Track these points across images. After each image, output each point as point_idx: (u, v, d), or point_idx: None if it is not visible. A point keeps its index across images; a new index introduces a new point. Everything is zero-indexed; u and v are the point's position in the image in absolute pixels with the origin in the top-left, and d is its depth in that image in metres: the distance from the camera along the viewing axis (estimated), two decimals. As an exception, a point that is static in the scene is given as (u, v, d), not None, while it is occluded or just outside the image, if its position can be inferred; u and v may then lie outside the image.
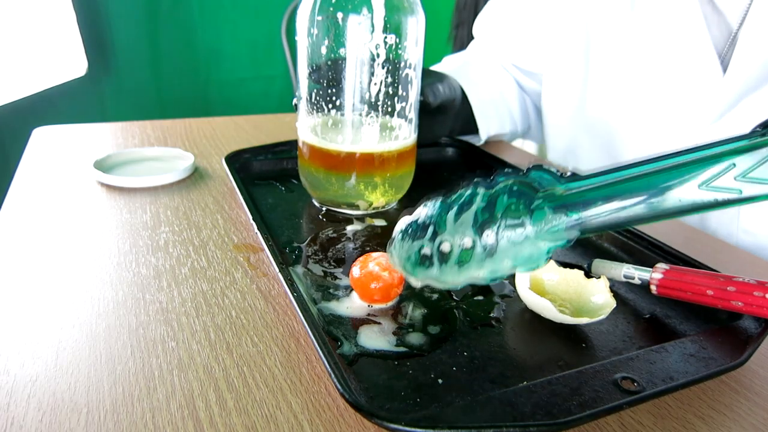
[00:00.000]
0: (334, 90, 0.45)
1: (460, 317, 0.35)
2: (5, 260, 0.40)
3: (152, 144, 0.68)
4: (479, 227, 0.27)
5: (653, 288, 0.35)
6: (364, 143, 0.46)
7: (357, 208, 0.49)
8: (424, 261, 0.28)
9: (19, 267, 0.40)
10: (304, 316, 0.31)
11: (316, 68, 0.45)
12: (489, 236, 0.27)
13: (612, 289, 0.35)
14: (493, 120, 0.72)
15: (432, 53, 0.53)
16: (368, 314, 0.34)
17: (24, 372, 0.29)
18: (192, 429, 0.26)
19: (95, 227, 0.46)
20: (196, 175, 0.58)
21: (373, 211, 0.49)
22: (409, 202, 0.52)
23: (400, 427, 0.24)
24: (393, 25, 0.43)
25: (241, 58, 1.58)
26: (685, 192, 0.24)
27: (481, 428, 0.25)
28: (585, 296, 0.35)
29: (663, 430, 0.27)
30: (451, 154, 0.67)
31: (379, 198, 0.48)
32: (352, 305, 0.35)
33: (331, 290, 0.37)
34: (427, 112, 0.58)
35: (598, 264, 0.38)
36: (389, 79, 0.44)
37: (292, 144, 0.59)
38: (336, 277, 0.39)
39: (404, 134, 0.47)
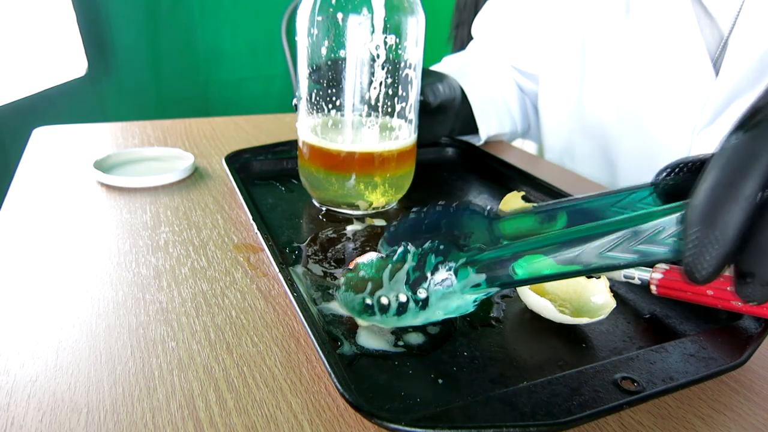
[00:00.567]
0: (334, 90, 0.45)
1: (460, 317, 0.35)
2: (5, 260, 0.40)
3: (152, 144, 0.68)
4: (411, 284, 0.30)
5: (653, 288, 0.35)
6: (364, 143, 0.46)
7: (357, 208, 0.49)
8: (366, 309, 0.31)
9: (19, 267, 0.40)
10: (304, 316, 0.31)
11: (316, 68, 0.45)
12: (421, 292, 0.30)
13: (612, 289, 0.35)
14: (493, 120, 0.72)
15: (432, 53, 0.53)
16: None
17: (24, 372, 0.29)
18: (192, 429, 0.26)
19: (95, 227, 0.46)
20: (196, 175, 0.58)
21: (373, 211, 0.49)
22: (409, 202, 0.52)
23: (400, 427, 0.24)
24: (393, 26, 0.43)
25: (241, 58, 1.58)
26: (589, 256, 0.26)
27: (481, 428, 0.25)
28: (585, 296, 0.35)
29: (663, 430, 0.27)
30: (451, 154, 0.67)
31: (379, 198, 0.48)
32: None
33: (331, 290, 0.37)
34: (427, 112, 0.58)
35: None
36: (389, 80, 0.44)
37: (292, 144, 0.59)
38: (336, 278, 0.39)
39: (404, 134, 0.47)
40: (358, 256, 0.36)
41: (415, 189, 0.52)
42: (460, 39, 1.39)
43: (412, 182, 0.51)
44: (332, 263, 0.41)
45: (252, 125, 0.76)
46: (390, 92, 0.45)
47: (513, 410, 0.26)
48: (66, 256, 0.41)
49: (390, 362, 0.30)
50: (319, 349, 0.29)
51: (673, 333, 0.34)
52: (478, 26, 0.84)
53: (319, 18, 0.43)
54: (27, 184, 0.54)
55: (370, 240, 0.45)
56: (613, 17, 0.66)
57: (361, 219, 0.48)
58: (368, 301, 0.31)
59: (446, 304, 0.30)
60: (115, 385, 0.29)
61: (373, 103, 0.45)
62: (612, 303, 0.33)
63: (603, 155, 0.70)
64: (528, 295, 0.34)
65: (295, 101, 0.49)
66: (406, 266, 0.30)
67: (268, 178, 0.57)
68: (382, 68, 0.44)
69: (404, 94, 0.46)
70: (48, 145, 0.66)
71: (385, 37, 0.43)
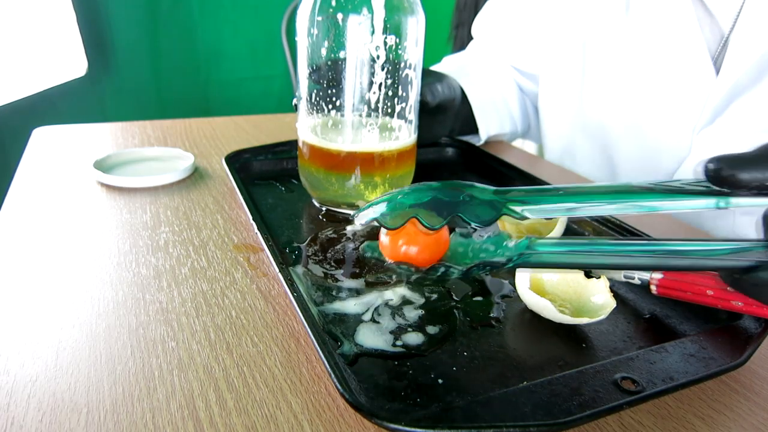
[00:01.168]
0: (334, 90, 0.45)
1: (460, 317, 0.35)
2: (5, 260, 0.40)
3: (152, 144, 0.68)
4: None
5: (653, 288, 0.35)
6: (364, 143, 0.46)
7: (357, 208, 0.48)
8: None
9: (19, 267, 0.40)
10: (304, 316, 0.31)
11: (316, 68, 0.45)
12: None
13: (612, 289, 0.35)
14: (493, 120, 0.72)
15: (432, 53, 0.53)
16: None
17: (24, 372, 0.29)
18: (192, 429, 0.26)
19: (95, 227, 0.46)
20: (196, 175, 0.58)
21: (373, 211, 0.49)
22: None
23: (400, 427, 0.24)
24: (393, 26, 0.43)
25: (241, 58, 1.58)
26: None
27: (481, 428, 0.25)
28: (585, 296, 0.35)
29: (663, 430, 0.27)
30: (451, 154, 0.67)
31: (379, 198, 0.48)
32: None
33: (331, 290, 0.37)
34: (426, 111, 0.58)
35: (598, 264, 0.38)
36: (389, 80, 0.44)
37: (292, 144, 0.59)
38: (336, 279, 0.39)
39: (404, 134, 0.47)
40: (358, 256, 0.36)
41: (415, 189, 0.52)
42: (460, 39, 1.39)
43: (412, 182, 0.51)
44: (332, 263, 0.41)
45: (252, 125, 0.76)
46: (390, 92, 0.45)
47: (513, 410, 0.26)
48: (66, 256, 0.41)
49: (390, 362, 0.30)
50: (319, 349, 0.29)
51: (673, 333, 0.34)
52: (478, 26, 0.84)
53: (319, 18, 0.43)
54: (27, 184, 0.54)
55: (370, 240, 0.44)
56: (613, 16, 0.66)
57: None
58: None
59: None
60: (115, 385, 0.29)
61: (373, 103, 0.45)
62: (612, 303, 0.33)
63: (603, 154, 0.70)
64: (528, 295, 0.34)
65: (295, 101, 0.49)
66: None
67: (268, 178, 0.57)
68: (382, 68, 0.44)
69: (404, 94, 0.46)
70: (48, 145, 0.66)
71: (385, 38, 0.43)
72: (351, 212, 0.49)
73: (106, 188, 0.53)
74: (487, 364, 0.31)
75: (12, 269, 0.39)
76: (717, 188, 0.27)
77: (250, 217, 0.44)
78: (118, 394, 0.28)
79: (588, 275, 0.36)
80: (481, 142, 0.71)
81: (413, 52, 0.45)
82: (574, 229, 0.47)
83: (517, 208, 0.29)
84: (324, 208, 0.50)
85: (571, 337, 0.33)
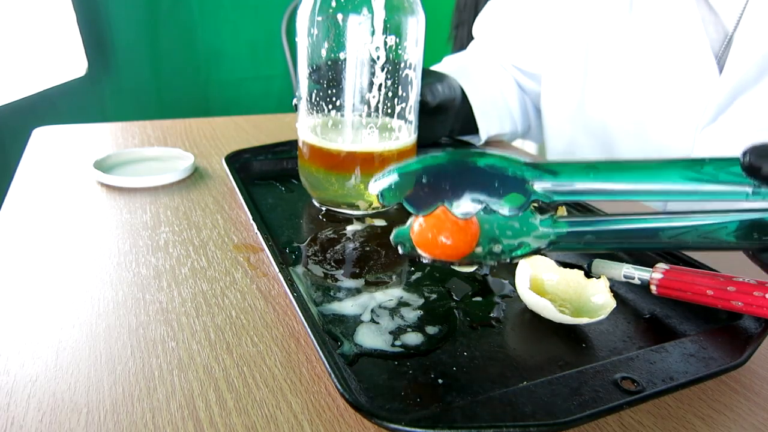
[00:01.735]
0: (334, 90, 0.45)
1: (459, 317, 0.35)
2: (5, 260, 0.40)
3: (152, 144, 0.68)
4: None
5: (653, 288, 0.35)
6: (364, 143, 0.46)
7: (357, 208, 0.49)
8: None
9: (19, 267, 0.40)
10: (304, 316, 0.31)
11: (316, 68, 0.45)
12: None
13: (612, 289, 0.35)
14: (493, 120, 0.72)
15: (432, 53, 0.53)
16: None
17: (24, 372, 0.29)
18: (192, 429, 0.26)
19: (95, 227, 0.46)
20: (196, 175, 0.58)
21: (373, 211, 0.49)
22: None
23: (400, 427, 0.24)
24: (393, 26, 0.43)
25: (241, 58, 1.58)
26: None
27: (481, 428, 0.25)
28: (585, 296, 0.35)
29: (663, 430, 0.27)
30: (451, 154, 0.67)
31: (379, 198, 0.48)
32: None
33: (331, 291, 0.37)
34: (426, 111, 0.58)
35: (598, 264, 0.38)
36: (389, 80, 0.44)
37: (292, 144, 0.59)
38: (336, 279, 0.39)
39: (404, 134, 0.47)
40: (358, 256, 0.36)
41: (415, 189, 0.52)
42: (460, 39, 1.39)
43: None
44: (332, 263, 0.41)
45: (252, 125, 0.76)
46: (390, 92, 0.45)
47: (513, 410, 0.26)
48: (66, 256, 0.41)
49: (390, 362, 0.30)
50: (319, 349, 0.29)
51: (673, 333, 0.34)
52: (479, 26, 0.84)
53: (319, 18, 0.43)
54: (27, 184, 0.54)
55: (370, 240, 0.45)
56: (616, 15, 0.66)
57: (361, 219, 0.48)
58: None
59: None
60: (115, 385, 0.29)
61: (373, 103, 0.45)
62: (612, 303, 0.33)
63: (606, 154, 0.70)
64: (528, 295, 0.34)
65: (295, 101, 0.49)
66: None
67: (268, 178, 0.57)
68: (382, 69, 0.44)
69: (404, 94, 0.46)
70: (48, 145, 0.66)
71: (385, 38, 0.43)
72: (351, 212, 0.49)
73: (106, 188, 0.53)
74: (487, 364, 0.31)
75: (12, 269, 0.39)
76: (750, 179, 0.27)
77: (250, 217, 0.44)
78: (118, 394, 0.28)
79: (588, 275, 0.37)
80: (481, 142, 0.71)
81: (413, 52, 0.45)
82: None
83: (544, 187, 0.28)
84: (324, 208, 0.50)
85: (571, 337, 0.33)
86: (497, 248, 0.29)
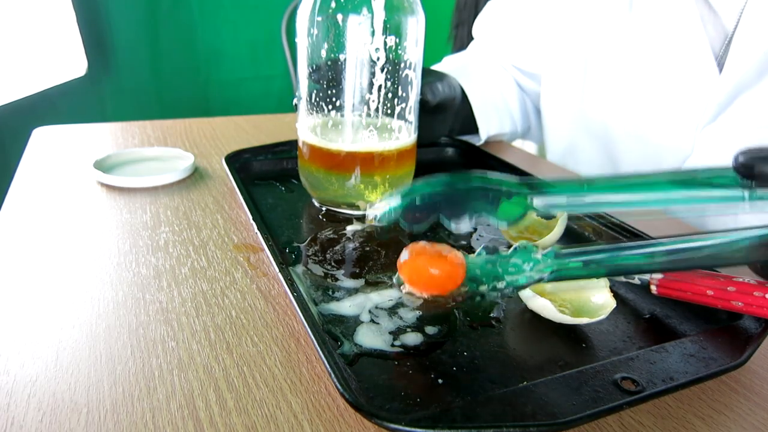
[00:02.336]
0: (334, 90, 0.45)
1: (460, 317, 0.35)
2: (5, 260, 0.40)
3: (152, 144, 0.68)
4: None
5: (653, 288, 0.35)
6: (364, 143, 0.46)
7: (357, 208, 0.49)
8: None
9: (19, 267, 0.40)
10: (304, 316, 0.31)
11: (316, 69, 0.45)
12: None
13: (612, 289, 0.35)
14: (493, 120, 0.72)
15: (432, 53, 0.53)
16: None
17: (24, 372, 0.29)
18: (192, 429, 0.26)
19: (95, 227, 0.46)
20: (196, 175, 0.58)
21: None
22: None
23: (400, 427, 0.24)
24: (393, 26, 0.43)
25: (241, 58, 1.59)
26: None
27: (481, 428, 0.25)
28: (585, 296, 0.35)
29: (663, 430, 0.27)
30: (451, 154, 0.67)
31: (379, 198, 0.48)
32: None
33: (331, 291, 0.37)
34: (426, 111, 0.58)
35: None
36: (389, 80, 0.44)
37: (292, 144, 0.59)
38: (336, 279, 0.39)
39: (404, 134, 0.47)
40: (358, 256, 0.36)
41: (415, 189, 0.52)
42: (460, 39, 1.39)
43: (412, 182, 0.51)
44: (332, 263, 0.41)
45: (252, 125, 0.76)
46: (390, 93, 0.45)
47: (513, 410, 0.26)
48: (66, 257, 0.41)
49: (390, 362, 0.30)
50: (319, 349, 0.29)
51: (673, 333, 0.34)
52: (479, 26, 0.84)
53: (319, 18, 0.43)
54: (27, 184, 0.54)
55: (370, 240, 0.45)
56: (615, 14, 0.66)
57: (361, 219, 0.48)
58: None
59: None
60: (115, 385, 0.29)
61: (373, 103, 0.45)
62: (612, 303, 0.33)
63: (606, 153, 0.70)
64: (528, 295, 0.34)
65: (295, 101, 0.49)
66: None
67: (268, 178, 0.57)
68: (382, 69, 0.44)
69: (404, 94, 0.46)
70: (48, 145, 0.66)
71: (385, 38, 0.43)
72: (351, 212, 0.49)
73: (106, 188, 0.53)
74: (487, 364, 0.31)
75: (12, 269, 0.39)
76: (744, 180, 0.27)
77: (250, 217, 0.44)
78: (118, 394, 0.28)
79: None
80: (481, 142, 0.71)
81: (413, 52, 0.45)
82: (573, 229, 0.47)
83: (541, 203, 0.29)
84: (324, 208, 0.50)
85: (571, 337, 0.33)
86: (501, 284, 0.30)
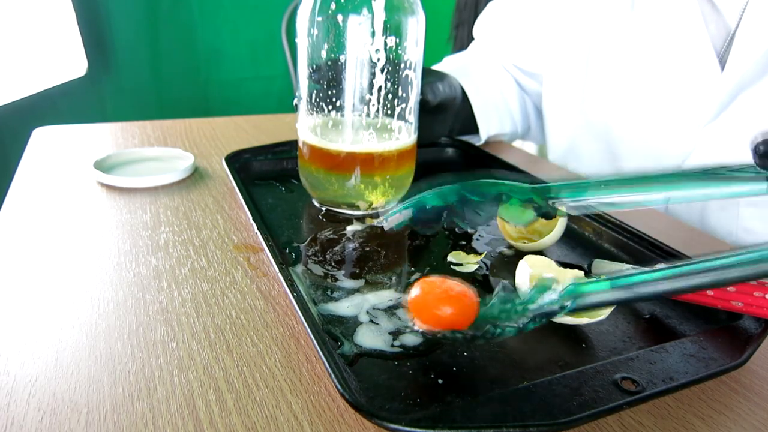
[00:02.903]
0: (334, 91, 0.45)
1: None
2: (5, 260, 0.41)
3: (152, 144, 0.68)
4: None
5: (653, 288, 0.35)
6: (364, 143, 0.46)
7: (357, 208, 0.49)
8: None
9: (19, 267, 0.40)
10: (304, 316, 0.31)
11: (316, 69, 0.45)
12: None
13: (612, 289, 0.35)
14: (493, 120, 0.72)
15: (432, 53, 0.53)
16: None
17: (24, 372, 0.29)
18: (192, 429, 0.26)
19: (95, 227, 0.46)
20: (196, 175, 0.58)
21: (373, 212, 0.49)
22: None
23: (400, 427, 0.24)
24: (393, 26, 0.43)
25: (241, 58, 1.59)
26: None
27: (481, 428, 0.25)
28: (585, 296, 0.35)
29: (663, 430, 0.27)
30: (451, 154, 0.67)
31: (379, 198, 0.48)
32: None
33: (331, 291, 0.37)
34: (426, 110, 0.58)
35: (598, 264, 0.38)
36: (389, 80, 0.44)
37: (292, 144, 0.59)
38: (336, 279, 0.39)
39: (404, 134, 0.47)
40: (358, 256, 0.36)
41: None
42: (460, 39, 1.39)
43: (412, 182, 0.51)
44: (332, 263, 0.41)
45: (252, 125, 0.76)
46: (390, 93, 0.45)
47: (513, 410, 0.26)
48: (66, 257, 0.41)
49: (390, 362, 0.30)
50: (319, 349, 0.29)
51: (673, 333, 0.34)
52: (480, 26, 0.84)
53: (319, 18, 0.43)
54: (27, 184, 0.54)
55: (370, 240, 0.45)
56: (617, 13, 0.66)
57: (361, 219, 0.48)
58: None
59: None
60: (115, 385, 0.29)
61: (373, 103, 0.45)
62: (612, 303, 0.33)
63: (608, 152, 0.70)
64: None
65: (295, 101, 0.49)
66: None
67: (268, 178, 0.57)
68: (382, 69, 0.44)
69: (404, 94, 0.46)
70: (48, 145, 0.66)
71: (385, 38, 0.43)
72: (351, 212, 0.49)
73: (106, 188, 0.53)
74: (487, 364, 0.31)
75: (12, 269, 0.39)
76: (763, 170, 0.27)
77: (250, 217, 0.44)
78: (118, 394, 0.28)
79: (588, 275, 0.37)
80: (481, 142, 0.71)
81: (413, 53, 0.45)
82: (573, 229, 0.47)
83: (558, 204, 0.29)
84: (324, 208, 0.50)
85: (571, 337, 0.33)
86: (520, 322, 0.28)
